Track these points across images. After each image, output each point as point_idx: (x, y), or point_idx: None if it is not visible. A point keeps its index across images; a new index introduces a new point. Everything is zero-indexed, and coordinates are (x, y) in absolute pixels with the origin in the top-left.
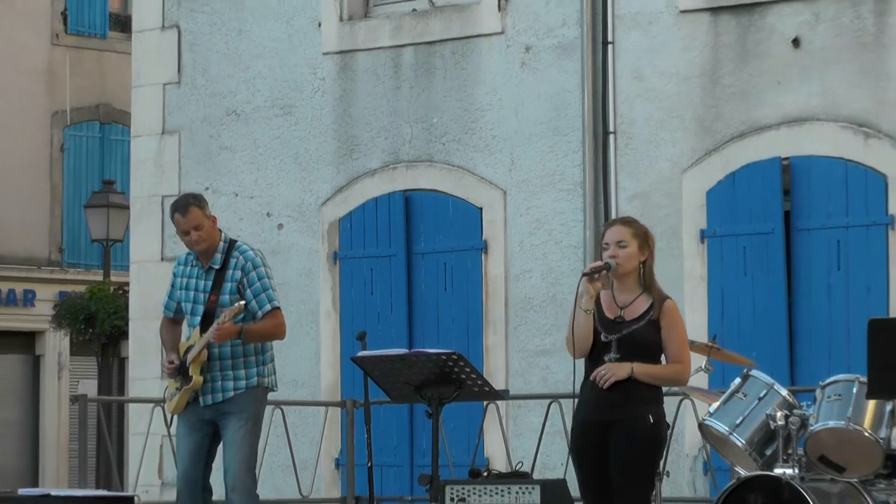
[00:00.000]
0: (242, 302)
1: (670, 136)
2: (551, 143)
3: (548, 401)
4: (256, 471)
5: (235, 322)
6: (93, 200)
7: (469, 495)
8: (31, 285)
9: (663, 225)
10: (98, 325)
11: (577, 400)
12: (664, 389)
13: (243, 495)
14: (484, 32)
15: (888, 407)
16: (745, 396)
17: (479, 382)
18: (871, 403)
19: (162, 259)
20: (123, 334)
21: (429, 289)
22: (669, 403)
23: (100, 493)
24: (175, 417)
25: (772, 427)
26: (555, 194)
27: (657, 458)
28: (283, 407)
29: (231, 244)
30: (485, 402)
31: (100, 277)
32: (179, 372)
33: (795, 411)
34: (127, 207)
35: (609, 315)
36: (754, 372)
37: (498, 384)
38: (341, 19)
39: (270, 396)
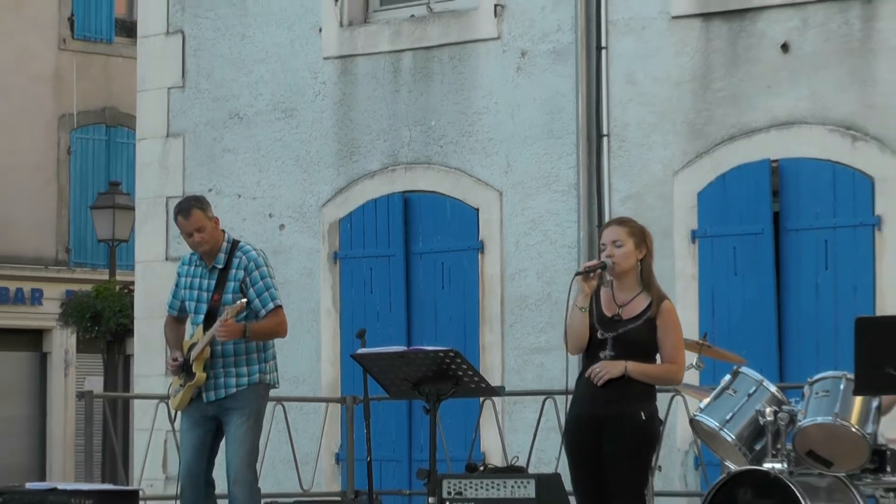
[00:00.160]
0: (245, 300)
1: (662, 139)
2: (546, 145)
3: (542, 397)
4: (258, 465)
5: (238, 320)
6: (99, 202)
7: (466, 489)
8: (38, 284)
9: (655, 226)
10: (104, 323)
11: (571, 395)
12: (657, 386)
13: (245, 489)
14: (481, 38)
15: (874, 403)
16: (735, 393)
17: (475, 379)
18: (858, 400)
19: (166, 259)
20: (129, 332)
21: (427, 288)
22: (661, 399)
23: (105, 486)
24: (179, 413)
25: (761, 423)
26: (550, 195)
27: (650, 453)
28: (284, 403)
29: (234, 244)
30: (481, 399)
31: (106, 277)
32: (183, 369)
33: (784, 407)
34: (132, 208)
35: (607, 313)
36: (744, 369)
37: (494, 381)
38: (341, 25)
39: (272, 393)
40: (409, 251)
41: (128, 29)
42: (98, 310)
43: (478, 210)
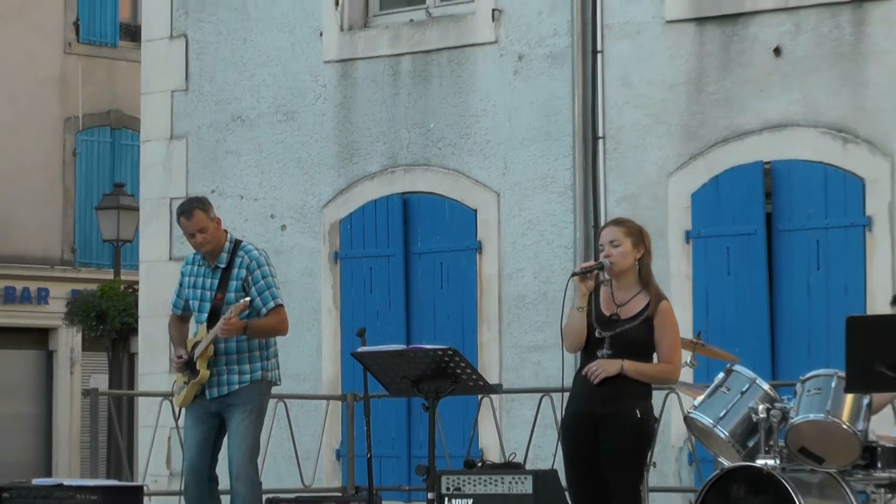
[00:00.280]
0: (247, 299)
1: (657, 141)
2: (543, 147)
3: (539, 395)
4: (260, 461)
5: (241, 318)
6: (104, 203)
7: (464, 485)
8: (44, 284)
9: (650, 226)
10: (109, 321)
11: (568, 392)
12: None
13: (246, 484)
14: (478, 42)
15: (865, 400)
16: (728, 390)
17: (473, 377)
18: (849, 397)
19: (170, 259)
20: (133, 331)
21: (426, 287)
22: (656, 397)
23: (110, 482)
24: (183, 410)
25: (754, 420)
26: (546, 197)
27: (645, 450)
28: (286, 400)
29: (236, 244)
30: (479, 396)
31: (110, 276)
32: (187, 366)
33: (777, 404)
34: (137, 209)
35: (605, 312)
36: (737, 367)
37: (492, 379)
38: (342, 29)
39: (274, 390)
40: (409, 251)
41: (132, 33)
42: (103, 309)
43: (476, 211)
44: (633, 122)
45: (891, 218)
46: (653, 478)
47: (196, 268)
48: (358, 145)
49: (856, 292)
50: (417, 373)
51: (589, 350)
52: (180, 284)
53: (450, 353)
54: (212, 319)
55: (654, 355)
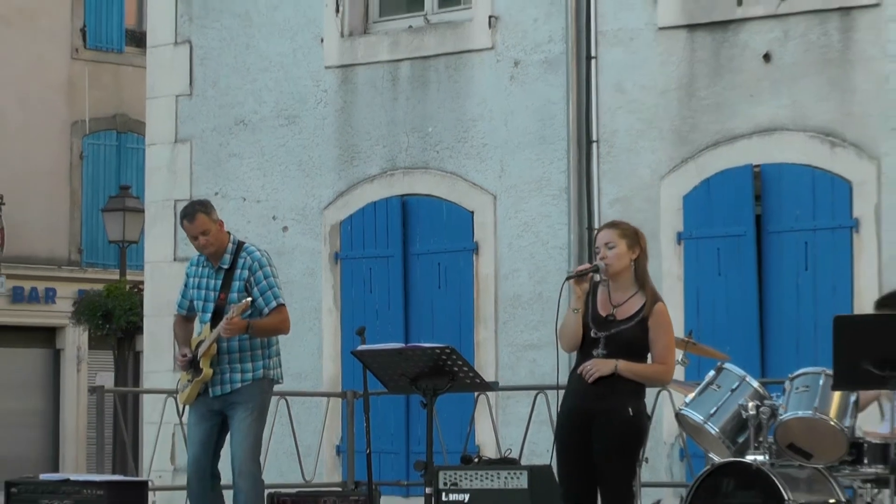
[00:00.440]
0: (249, 299)
1: (649, 145)
2: (538, 151)
3: (535, 392)
4: (262, 457)
5: (243, 318)
6: (110, 205)
7: (461, 480)
8: (52, 284)
9: (643, 228)
10: (114, 321)
11: (564, 389)
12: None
13: (249, 480)
14: (475, 48)
15: (852, 398)
16: (718, 388)
17: (470, 375)
18: (837, 394)
19: (174, 259)
20: (138, 330)
21: (424, 287)
22: (648, 394)
23: (116, 478)
24: (186, 407)
25: (744, 416)
26: (541, 199)
27: (637, 447)
28: (287, 398)
29: (239, 245)
30: (476, 394)
31: (116, 276)
32: (191, 365)
33: (766, 402)
34: (142, 211)
35: (602, 312)
36: (727, 365)
37: (488, 376)
38: (342, 35)
39: (276, 388)
40: (407, 252)
41: (138, 39)
42: (109, 308)
43: (473, 213)
44: (626, 126)
45: (877, 220)
46: (645, 473)
47: (200, 269)
48: (358, 149)
49: (843, 292)
50: (416, 371)
51: (585, 349)
52: (185, 285)
53: (447, 351)
54: (215, 319)
55: (649, 356)
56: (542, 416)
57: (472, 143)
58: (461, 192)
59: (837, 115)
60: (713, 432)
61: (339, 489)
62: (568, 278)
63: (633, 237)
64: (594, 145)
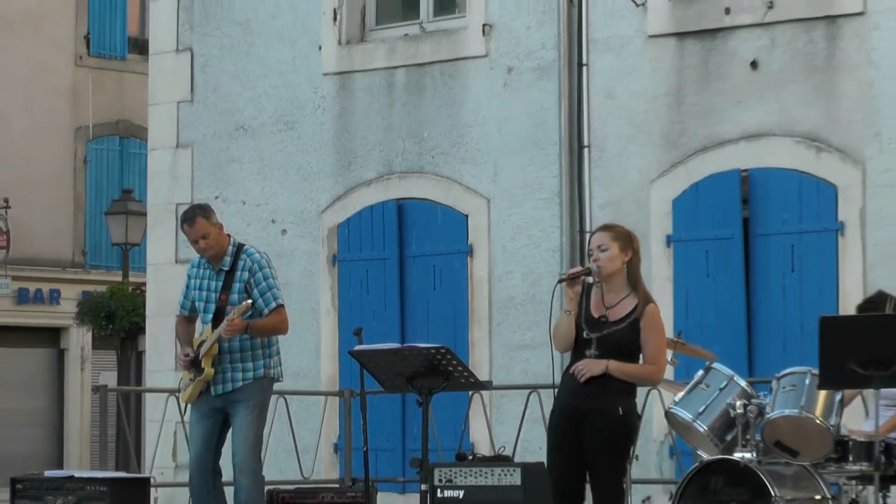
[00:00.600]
0: (250, 301)
1: (639, 150)
2: (531, 156)
3: (528, 391)
4: (262, 454)
5: (243, 319)
6: (113, 208)
7: (456, 477)
8: (56, 285)
9: (633, 231)
10: (117, 321)
11: (558, 387)
12: None
13: (249, 477)
14: (470, 55)
15: (837, 397)
16: (707, 387)
17: (465, 374)
18: (822, 393)
19: (176, 261)
20: (141, 330)
21: (419, 289)
22: (639, 393)
23: (119, 474)
24: (188, 406)
25: (732, 415)
26: (534, 203)
27: (627, 445)
28: (286, 396)
29: (239, 248)
30: (470, 392)
31: (119, 278)
32: (193, 364)
33: (753, 400)
34: (144, 214)
35: (594, 314)
36: (716, 365)
37: (482, 376)
38: (340, 43)
39: (275, 387)
40: (403, 255)
41: (140, 46)
42: (112, 309)
43: (467, 216)
44: (616, 131)
45: (862, 223)
46: (635, 470)
47: (201, 270)
48: (355, 153)
49: (828, 294)
50: (411, 370)
51: (578, 349)
52: (187, 286)
53: (442, 351)
54: (216, 319)
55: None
56: (535, 414)
57: (467, 148)
58: (456, 195)
59: (823, 120)
60: (702, 430)
61: (337, 486)
62: (560, 281)
63: (626, 240)
64: (586, 150)
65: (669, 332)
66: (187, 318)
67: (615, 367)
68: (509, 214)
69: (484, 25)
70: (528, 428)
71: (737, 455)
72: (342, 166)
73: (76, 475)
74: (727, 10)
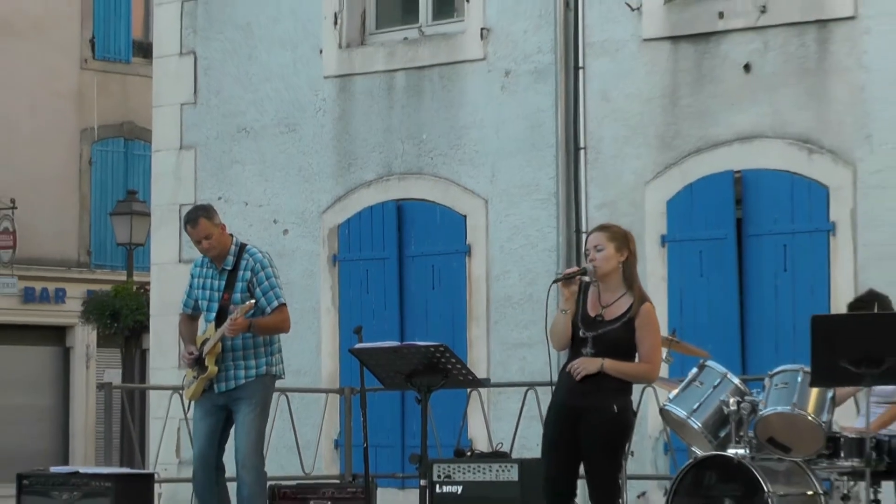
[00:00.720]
0: (253, 301)
1: (635, 152)
2: (528, 157)
3: (525, 388)
4: (264, 450)
5: (246, 318)
6: (118, 209)
7: (454, 473)
8: (62, 284)
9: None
10: (122, 320)
11: (555, 385)
12: None
13: (252, 472)
14: (468, 59)
15: (829, 394)
16: (701, 384)
17: (463, 372)
18: (814, 391)
19: (179, 261)
20: (145, 328)
21: (418, 288)
22: (634, 390)
23: (123, 470)
24: (192, 403)
25: (725, 412)
26: (531, 203)
27: (622, 442)
28: (287, 394)
29: (241, 247)
30: (468, 390)
31: (124, 277)
32: (197, 362)
33: (747, 398)
34: (148, 215)
35: (591, 313)
36: (710, 362)
37: (480, 373)
38: (340, 47)
39: (277, 384)
40: (403, 254)
41: (144, 50)
42: (117, 308)
43: (465, 217)
44: (612, 133)
45: (853, 223)
46: (631, 466)
47: (205, 270)
48: (355, 155)
49: (820, 293)
50: (410, 368)
51: (575, 348)
52: (190, 286)
53: (441, 349)
54: (219, 318)
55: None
56: (533, 411)
57: (465, 150)
58: (454, 196)
59: (815, 122)
60: (696, 427)
61: (337, 481)
62: (555, 281)
63: (622, 240)
64: (582, 152)
65: (664, 331)
66: (190, 317)
67: (610, 365)
68: (507, 215)
69: (482, 29)
70: (525, 425)
71: (730, 451)
72: (342, 168)
73: (81, 471)
74: (721, 14)
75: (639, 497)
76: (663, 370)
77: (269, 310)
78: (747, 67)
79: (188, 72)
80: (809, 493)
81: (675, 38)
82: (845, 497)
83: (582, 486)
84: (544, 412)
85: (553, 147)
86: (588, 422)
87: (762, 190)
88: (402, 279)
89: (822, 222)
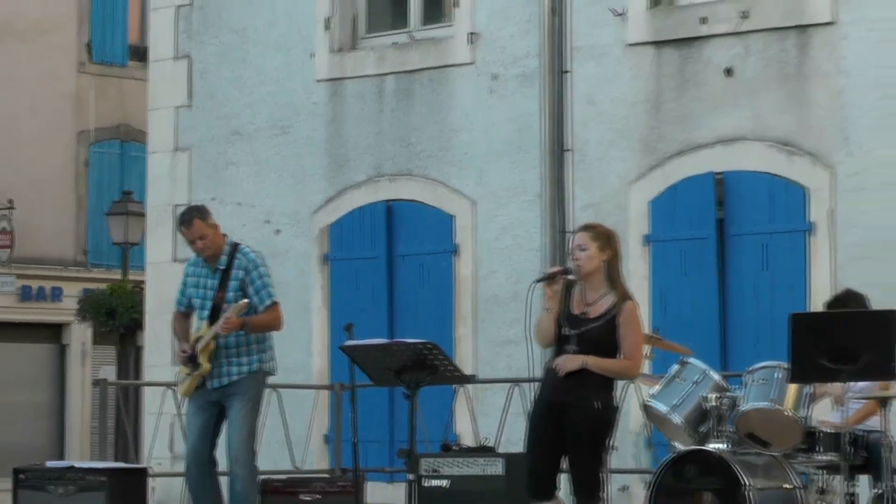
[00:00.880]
0: (246, 300)
1: (619, 154)
2: (515, 159)
3: (510, 385)
4: (256, 446)
5: (240, 317)
6: (114, 209)
7: (441, 467)
8: (59, 283)
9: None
10: (117, 317)
11: (540, 382)
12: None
13: (244, 467)
14: (457, 63)
15: (806, 390)
16: (682, 380)
17: (450, 368)
18: (793, 387)
19: (174, 260)
20: (140, 326)
21: (407, 287)
22: (617, 386)
23: (118, 465)
24: (185, 399)
25: (706, 407)
26: (518, 204)
27: (604, 437)
28: (279, 390)
29: (235, 247)
30: (455, 386)
31: (119, 276)
32: (190, 360)
33: (727, 393)
34: (143, 215)
35: (575, 311)
36: (691, 359)
37: (467, 370)
38: (332, 51)
39: (268, 381)
40: (392, 254)
41: (140, 54)
42: (112, 306)
43: (453, 217)
44: (597, 136)
45: (831, 224)
46: (613, 460)
47: (198, 269)
48: (346, 157)
49: (799, 292)
50: (399, 364)
51: (559, 345)
52: (184, 284)
53: (429, 346)
54: (213, 316)
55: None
56: (518, 407)
57: (454, 152)
58: (443, 197)
59: (795, 126)
60: (677, 422)
61: (328, 475)
62: (536, 281)
63: (605, 239)
64: (567, 154)
65: (646, 328)
66: (184, 315)
67: (593, 362)
68: (494, 216)
69: (470, 34)
70: (511, 420)
71: (710, 446)
72: (334, 169)
73: (76, 465)
74: (703, 20)
75: (621, 490)
76: (645, 366)
77: (261, 308)
78: (729, 72)
79: (183, 75)
80: (787, 486)
81: (658, 44)
82: (822, 490)
83: (565, 480)
84: (529, 408)
85: (539, 149)
86: (571, 417)
87: (743, 191)
88: (392, 278)
89: (801, 223)
